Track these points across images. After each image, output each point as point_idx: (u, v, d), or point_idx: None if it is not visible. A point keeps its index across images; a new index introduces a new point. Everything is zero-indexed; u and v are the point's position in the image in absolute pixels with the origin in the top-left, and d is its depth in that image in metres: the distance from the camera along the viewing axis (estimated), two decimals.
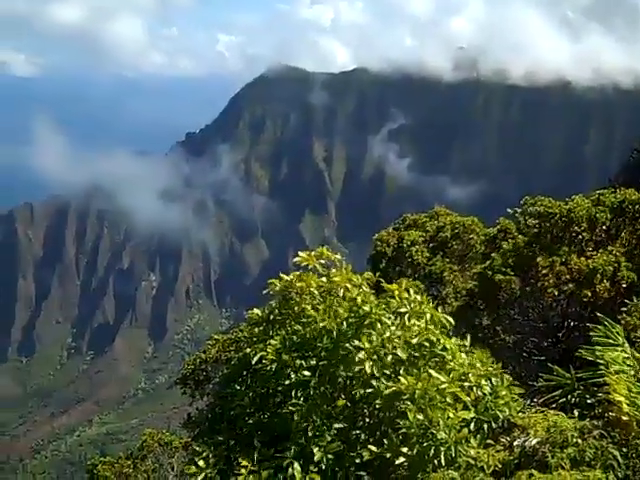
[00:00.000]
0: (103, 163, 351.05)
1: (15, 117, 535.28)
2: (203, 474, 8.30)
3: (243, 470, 7.75)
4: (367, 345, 8.10)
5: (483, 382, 8.22)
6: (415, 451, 7.52)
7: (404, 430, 7.62)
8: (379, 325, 8.41)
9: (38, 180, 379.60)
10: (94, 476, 23.87)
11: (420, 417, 7.54)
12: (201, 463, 8.39)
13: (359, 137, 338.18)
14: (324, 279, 9.20)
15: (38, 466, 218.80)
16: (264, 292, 9.40)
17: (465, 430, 7.61)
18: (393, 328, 8.43)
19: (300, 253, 9.38)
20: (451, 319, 8.86)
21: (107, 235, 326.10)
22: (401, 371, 8.09)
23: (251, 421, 8.83)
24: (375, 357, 8.09)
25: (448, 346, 8.49)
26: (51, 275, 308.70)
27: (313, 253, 9.34)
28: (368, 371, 7.95)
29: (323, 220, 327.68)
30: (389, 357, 8.12)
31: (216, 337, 25.42)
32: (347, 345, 8.22)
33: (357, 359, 8.04)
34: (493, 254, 19.85)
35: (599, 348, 8.42)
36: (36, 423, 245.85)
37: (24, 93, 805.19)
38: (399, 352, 8.16)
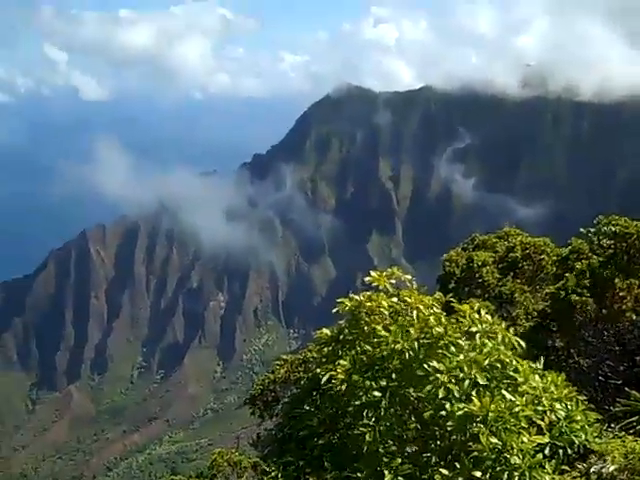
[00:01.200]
0: (171, 184, 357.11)
1: (86, 140, 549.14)
2: None
3: None
4: (444, 367, 8.01)
5: (557, 406, 8.00)
6: (488, 475, 7.37)
7: (476, 454, 7.48)
8: (453, 348, 8.32)
9: (108, 201, 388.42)
10: None
11: (493, 440, 7.39)
12: None
13: (425, 156, 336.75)
14: (395, 299, 9.14)
15: None
16: (333, 311, 9.37)
17: (539, 455, 7.43)
18: (466, 349, 8.32)
19: (372, 272, 9.34)
20: (522, 341, 8.68)
21: (176, 255, 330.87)
22: (473, 393, 7.96)
23: (321, 442, 8.79)
24: (454, 380, 7.98)
25: (520, 368, 8.31)
26: (122, 294, 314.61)
27: (384, 273, 9.30)
28: (440, 395, 7.83)
29: (390, 240, 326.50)
30: (467, 381, 8.00)
31: (284, 357, 25.48)
32: (425, 366, 8.14)
33: (439, 382, 7.93)
34: (566, 275, 19.44)
35: None
36: (108, 440, 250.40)
37: (95, 116, 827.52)
38: (478, 377, 8.04)
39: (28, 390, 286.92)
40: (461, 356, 8.16)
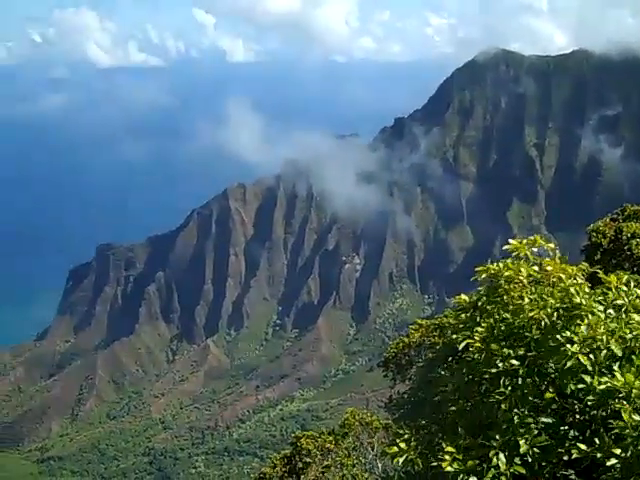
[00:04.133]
0: (311, 146, 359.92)
1: (230, 102, 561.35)
2: (405, 456, 8.33)
3: (447, 456, 7.68)
4: (577, 337, 7.80)
5: None
6: (629, 453, 7.14)
7: (618, 430, 7.24)
8: (590, 317, 8.07)
9: (247, 162, 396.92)
10: (297, 448, 24.68)
11: (636, 418, 7.15)
12: (402, 445, 8.42)
13: (573, 124, 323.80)
14: (535, 268, 8.92)
15: (243, 435, 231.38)
16: (472, 278, 9.25)
17: None
18: (608, 321, 8.05)
19: (511, 240, 9.15)
20: None
21: (314, 217, 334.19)
22: (615, 367, 7.69)
23: (455, 408, 8.75)
24: (587, 350, 7.76)
25: None
26: (260, 253, 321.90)
27: (525, 241, 9.09)
28: (584, 363, 7.62)
29: (531, 209, 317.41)
30: (603, 352, 7.76)
31: (420, 322, 25.34)
32: (557, 336, 7.94)
33: (569, 352, 7.74)
34: None
35: None
36: (242, 394, 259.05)
37: (240, 78, 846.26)
38: (613, 346, 7.78)
39: (169, 342, 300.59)
40: (600, 326, 7.91)
